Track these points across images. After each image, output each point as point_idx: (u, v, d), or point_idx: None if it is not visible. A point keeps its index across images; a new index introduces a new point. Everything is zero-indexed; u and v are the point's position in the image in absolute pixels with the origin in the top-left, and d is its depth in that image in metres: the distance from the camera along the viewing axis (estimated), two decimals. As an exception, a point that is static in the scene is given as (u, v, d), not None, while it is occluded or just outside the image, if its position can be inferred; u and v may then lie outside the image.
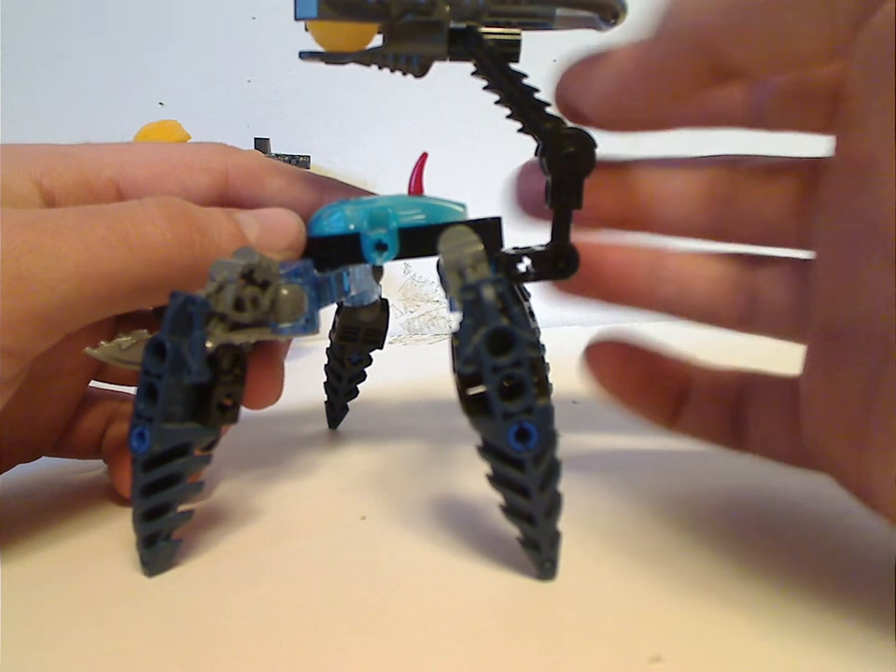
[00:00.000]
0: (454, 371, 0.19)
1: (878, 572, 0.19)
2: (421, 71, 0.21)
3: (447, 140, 0.57)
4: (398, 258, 0.22)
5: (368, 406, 0.35)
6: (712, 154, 0.22)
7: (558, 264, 0.22)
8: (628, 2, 0.20)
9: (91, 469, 0.28)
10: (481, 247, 0.20)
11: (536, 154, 0.22)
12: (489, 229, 0.22)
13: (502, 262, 0.22)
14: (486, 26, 0.20)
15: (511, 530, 0.19)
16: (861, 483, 0.18)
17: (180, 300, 0.19)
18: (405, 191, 0.24)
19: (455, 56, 0.20)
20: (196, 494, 0.21)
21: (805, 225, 0.20)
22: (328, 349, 0.32)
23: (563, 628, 0.17)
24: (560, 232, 0.22)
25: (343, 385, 0.32)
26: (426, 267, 0.55)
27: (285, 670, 0.16)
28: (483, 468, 0.19)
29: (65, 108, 0.55)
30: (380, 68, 0.21)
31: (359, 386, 0.33)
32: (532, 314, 0.27)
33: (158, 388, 0.19)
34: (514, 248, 0.23)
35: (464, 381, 0.19)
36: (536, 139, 0.21)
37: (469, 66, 0.21)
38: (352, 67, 0.21)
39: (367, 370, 0.32)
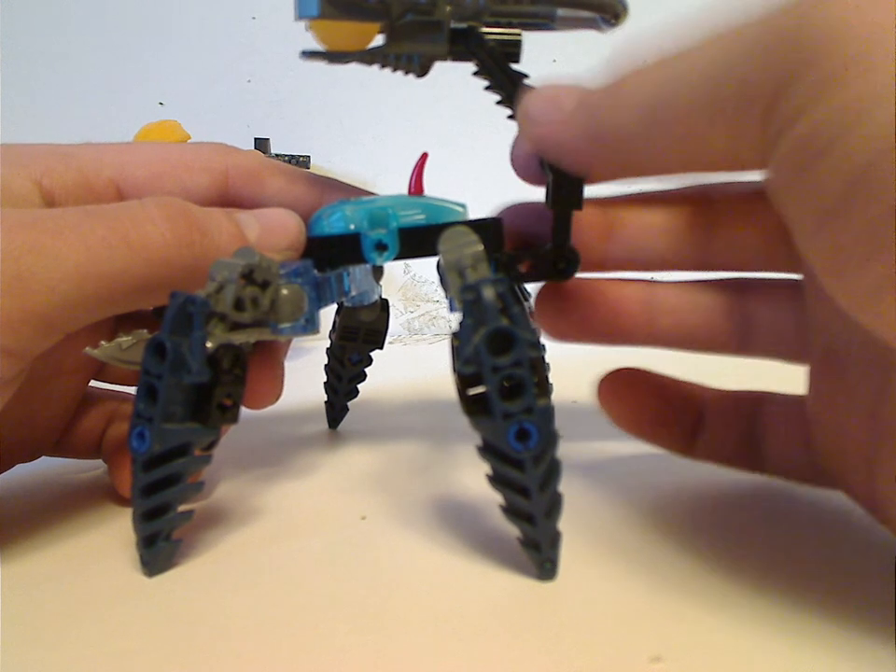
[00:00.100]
0: (454, 370, 0.19)
1: (878, 573, 0.19)
2: (422, 71, 0.21)
3: (447, 140, 0.57)
4: (398, 258, 0.22)
5: (368, 406, 0.35)
6: (685, 186, 0.22)
7: (558, 264, 0.22)
8: (629, 2, 0.20)
9: (91, 468, 0.28)
10: (481, 247, 0.20)
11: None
12: (489, 229, 0.22)
13: (502, 262, 0.22)
14: (487, 26, 0.20)
15: (511, 530, 0.19)
16: (873, 501, 0.18)
17: (180, 300, 0.19)
18: (405, 191, 0.24)
19: (457, 56, 0.21)
20: (196, 494, 0.21)
21: (792, 249, 0.20)
22: (328, 349, 0.32)
23: (563, 628, 0.17)
24: (560, 233, 0.22)
25: (343, 385, 0.32)
26: (426, 267, 0.55)
27: (285, 670, 0.16)
28: (483, 468, 0.19)
29: (65, 108, 0.55)
30: (381, 68, 0.21)
31: (359, 386, 0.33)
32: (533, 314, 0.27)
33: (158, 388, 0.19)
34: (515, 248, 0.23)
35: (464, 381, 0.19)
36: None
37: (469, 66, 0.21)
38: (352, 67, 0.21)
39: (367, 370, 0.32)
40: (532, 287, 0.24)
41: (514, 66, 0.21)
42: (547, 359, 0.25)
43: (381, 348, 0.31)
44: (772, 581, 0.19)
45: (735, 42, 0.15)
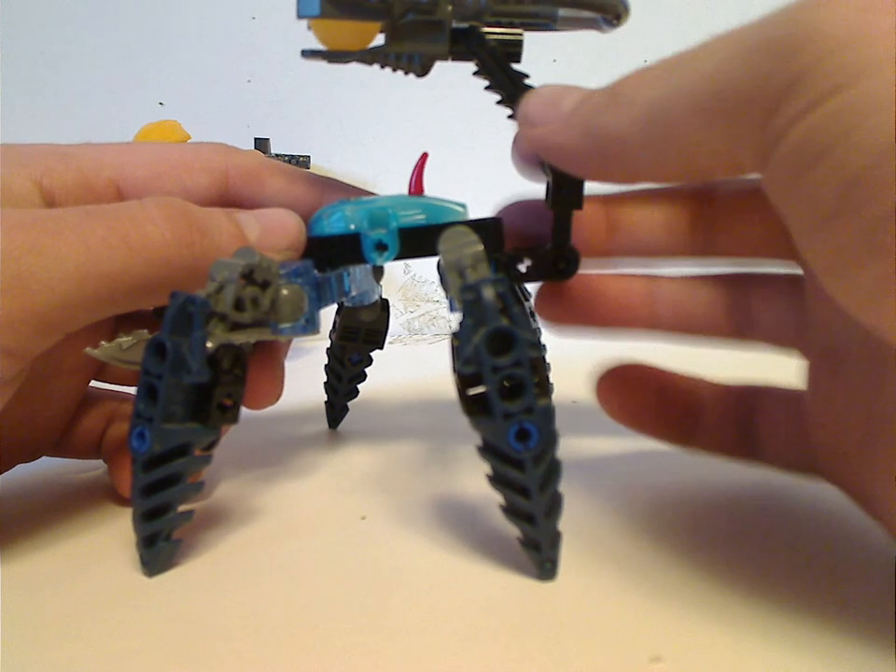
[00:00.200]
0: (454, 370, 0.19)
1: (878, 576, 0.19)
2: (423, 70, 0.21)
3: (447, 140, 0.57)
4: (398, 258, 0.22)
5: (368, 406, 0.35)
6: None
7: (559, 264, 0.22)
8: (630, 2, 0.20)
9: (91, 468, 0.28)
10: (481, 247, 0.20)
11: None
12: (489, 229, 0.22)
13: (502, 262, 0.22)
14: (488, 26, 0.20)
15: (511, 530, 0.19)
16: (866, 496, 0.18)
17: (180, 300, 0.19)
18: (405, 191, 0.24)
19: (457, 56, 0.21)
20: (196, 494, 0.21)
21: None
22: (328, 349, 0.32)
23: (563, 628, 0.17)
24: (560, 233, 0.22)
25: (344, 385, 0.32)
26: (426, 267, 0.55)
27: (285, 670, 0.16)
28: (483, 468, 0.19)
29: (65, 108, 0.55)
30: (382, 67, 0.21)
31: (359, 386, 0.33)
32: (533, 314, 0.27)
33: (158, 388, 0.19)
34: (515, 248, 0.23)
35: (464, 381, 0.19)
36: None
37: (469, 66, 0.21)
38: (352, 67, 0.21)
39: (367, 370, 0.32)
40: (532, 287, 0.24)
41: (515, 66, 0.21)
42: (547, 359, 0.26)
43: (381, 348, 0.31)
44: (772, 582, 0.19)
45: (735, 47, 0.15)
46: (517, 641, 0.17)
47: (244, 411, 0.21)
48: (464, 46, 0.20)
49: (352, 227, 0.22)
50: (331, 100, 0.58)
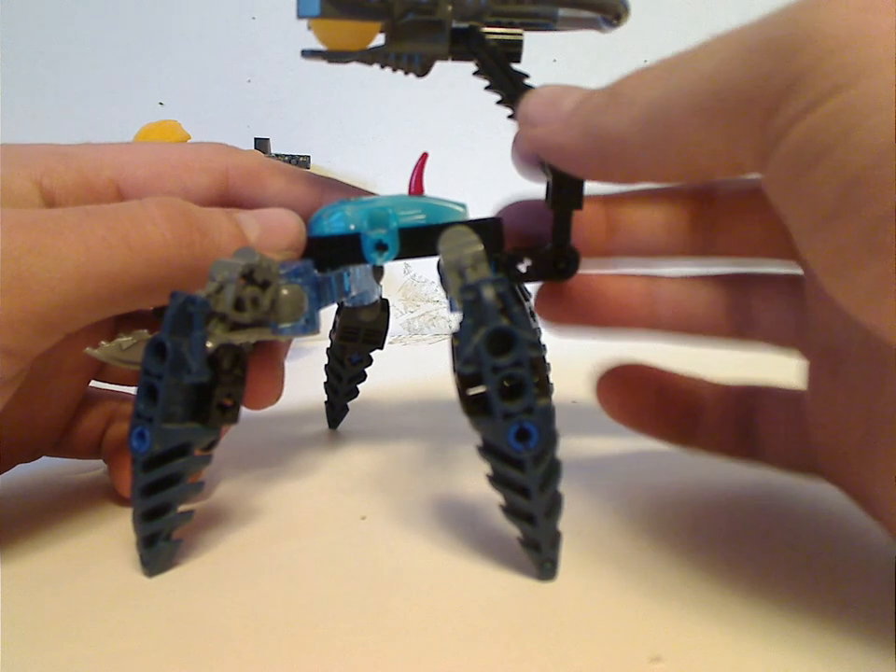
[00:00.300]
0: (454, 370, 0.19)
1: (878, 577, 0.19)
2: (423, 70, 0.21)
3: (447, 140, 0.57)
4: (398, 258, 0.22)
5: (368, 406, 0.35)
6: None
7: (559, 264, 0.22)
8: (630, 2, 0.20)
9: (91, 468, 0.28)
10: (481, 247, 0.20)
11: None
12: (489, 229, 0.22)
13: (502, 262, 0.22)
14: (488, 26, 0.20)
15: (511, 530, 0.19)
16: (865, 496, 0.18)
17: (180, 300, 0.19)
18: (405, 191, 0.24)
19: (457, 56, 0.20)
20: (196, 494, 0.21)
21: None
22: (328, 349, 0.32)
23: (563, 628, 0.17)
24: (561, 233, 0.22)
25: (344, 385, 0.32)
26: (426, 267, 0.55)
27: (285, 670, 0.16)
28: (483, 468, 0.19)
29: (65, 108, 0.55)
30: (381, 67, 0.21)
31: (359, 386, 0.33)
32: (533, 314, 0.27)
33: (158, 388, 0.19)
34: (515, 248, 0.23)
35: (464, 381, 0.19)
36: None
37: (469, 66, 0.21)
38: (352, 67, 0.21)
39: (367, 370, 0.32)
40: (532, 287, 0.24)
41: (515, 66, 0.21)
42: (547, 359, 0.26)
43: (381, 348, 0.31)
44: (772, 582, 0.19)
45: (734, 47, 0.15)
46: (517, 641, 0.17)
47: (244, 411, 0.21)
48: (464, 46, 0.20)
49: (352, 227, 0.22)
50: (331, 100, 0.58)
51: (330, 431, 0.33)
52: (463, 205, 0.23)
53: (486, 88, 0.21)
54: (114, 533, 0.22)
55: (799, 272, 0.21)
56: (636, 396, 0.23)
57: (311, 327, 0.22)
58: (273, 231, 0.23)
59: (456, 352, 0.19)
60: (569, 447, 0.20)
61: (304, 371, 0.33)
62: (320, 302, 0.22)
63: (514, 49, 0.21)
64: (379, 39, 0.20)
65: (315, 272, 0.22)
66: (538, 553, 0.19)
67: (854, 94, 0.13)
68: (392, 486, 0.26)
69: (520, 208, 0.23)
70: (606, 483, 0.26)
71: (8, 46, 0.54)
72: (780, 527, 0.22)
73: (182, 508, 0.20)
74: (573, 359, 0.24)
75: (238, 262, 0.20)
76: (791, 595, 0.18)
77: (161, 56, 0.56)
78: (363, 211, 0.22)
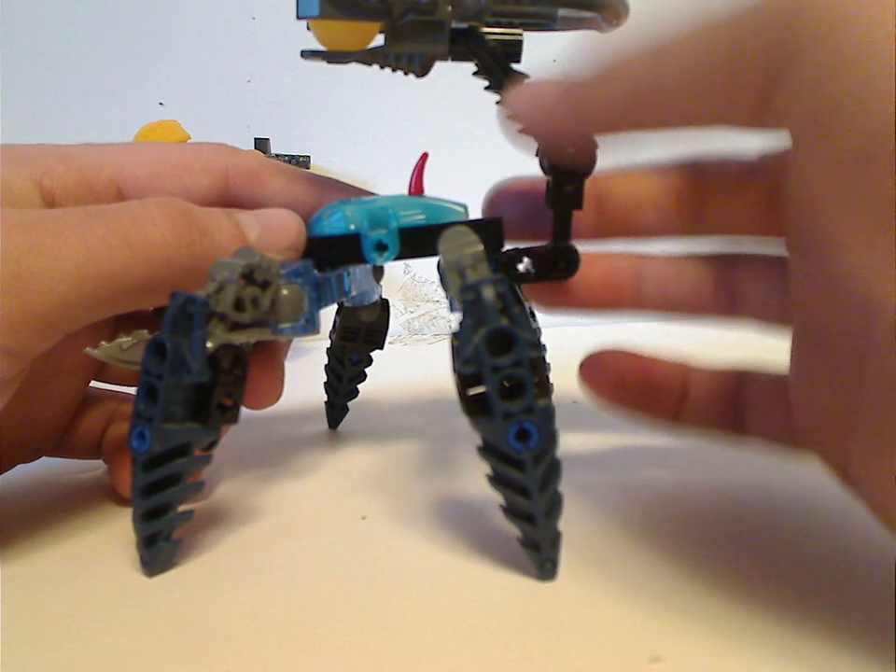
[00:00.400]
0: (454, 370, 0.19)
1: (878, 576, 0.19)
2: (422, 71, 0.21)
3: (447, 140, 0.57)
4: (398, 258, 0.22)
5: (368, 406, 0.35)
6: (677, 158, 0.22)
7: (559, 264, 0.22)
8: (630, 2, 0.20)
9: (91, 469, 0.28)
10: (481, 247, 0.20)
11: (536, 154, 0.22)
12: (489, 229, 0.22)
13: (502, 262, 0.22)
14: (488, 26, 0.20)
15: (512, 530, 0.19)
16: (847, 474, 0.18)
17: (180, 300, 0.19)
18: (405, 191, 0.24)
19: (457, 56, 0.20)
20: (196, 494, 0.21)
21: (782, 220, 0.20)
22: (328, 349, 0.32)
23: (563, 628, 0.17)
24: (560, 233, 0.22)
25: (344, 385, 0.32)
26: (426, 267, 0.55)
27: (285, 670, 0.16)
28: (483, 468, 0.19)
29: (65, 108, 0.55)
30: (381, 68, 0.21)
31: (359, 386, 0.33)
32: (533, 314, 0.27)
33: (158, 388, 0.19)
34: (515, 248, 0.23)
35: (464, 381, 0.19)
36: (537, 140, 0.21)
37: (469, 66, 0.21)
38: (352, 67, 0.21)
39: (367, 370, 0.32)
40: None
41: (515, 66, 0.21)
42: (547, 359, 0.26)
43: (381, 348, 0.31)
44: (772, 583, 0.19)
45: (727, 25, 0.14)
46: (517, 641, 0.17)
47: (244, 411, 0.21)
48: (463, 46, 0.20)
49: (352, 227, 0.22)
50: (331, 100, 0.58)
51: (330, 431, 0.33)
52: (463, 205, 0.23)
53: (486, 88, 0.21)
54: (114, 533, 0.22)
55: (784, 252, 0.21)
56: (619, 378, 0.23)
57: (311, 327, 0.22)
58: (274, 231, 0.23)
59: (456, 352, 0.19)
60: (570, 447, 0.20)
61: (304, 371, 0.33)
62: (320, 302, 0.22)
63: (514, 49, 0.21)
64: (379, 40, 0.20)
65: (315, 272, 0.22)
66: (538, 553, 0.19)
67: (861, 71, 0.12)
68: (392, 486, 0.26)
69: (509, 194, 0.23)
70: (606, 483, 0.26)
71: (8, 46, 0.54)
72: (780, 529, 0.22)
73: (182, 508, 0.20)
74: (573, 359, 0.24)
75: (238, 262, 0.20)
76: (790, 596, 0.18)
77: (161, 56, 0.56)
78: (363, 211, 0.22)
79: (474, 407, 0.19)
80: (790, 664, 0.16)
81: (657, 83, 0.16)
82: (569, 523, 0.19)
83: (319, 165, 0.56)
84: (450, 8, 0.19)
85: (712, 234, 0.22)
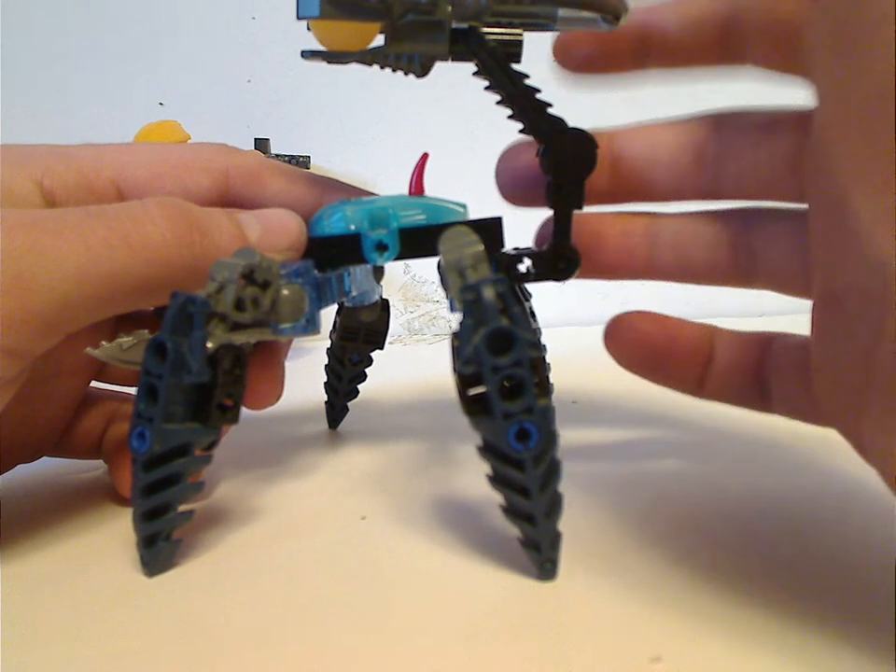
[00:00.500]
0: (454, 370, 0.19)
1: (878, 575, 0.19)
2: (422, 71, 0.21)
3: (447, 140, 0.57)
4: (398, 258, 0.22)
5: (368, 406, 0.35)
6: (696, 114, 0.22)
7: (559, 264, 0.22)
8: (630, 2, 0.20)
9: (91, 469, 0.28)
10: (481, 247, 0.20)
11: (537, 155, 0.22)
12: (490, 229, 0.22)
13: (503, 262, 0.22)
14: (488, 26, 0.20)
15: (512, 530, 0.19)
16: (861, 443, 0.18)
17: (181, 300, 0.19)
18: (405, 191, 0.24)
19: (457, 56, 0.20)
20: (196, 494, 0.21)
21: (801, 180, 0.19)
22: (328, 349, 0.32)
23: (563, 628, 0.17)
24: (561, 232, 0.22)
25: (344, 385, 0.32)
26: (426, 267, 0.55)
27: (285, 670, 0.16)
28: (484, 468, 0.19)
29: (65, 108, 0.55)
30: (381, 68, 0.21)
31: (360, 387, 0.33)
32: (533, 314, 0.27)
33: (158, 388, 0.19)
34: (515, 248, 0.23)
35: (464, 381, 0.19)
36: (537, 140, 0.21)
37: (469, 66, 0.21)
38: (353, 67, 0.21)
39: (367, 370, 0.32)
40: (534, 288, 0.24)
41: (515, 67, 0.21)
42: (547, 359, 0.26)
43: (381, 348, 0.31)
44: (772, 583, 0.19)
45: None
46: (517, 641, 0.17)
47: (244, 411, 0.21)
48: (464, 46, 0.20)
49: (352, 227, 0.22)
50: (331, 100, 0.58)
51: (330, 431, 0.33)
52: (463, 205, 0.23)
53: (486, 88, 0.21)
54: (114, 533, 0.22)
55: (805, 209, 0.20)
56: (646, 341, 0.23)
57: (311, 327, 0.22)
58: (274, 231, 0.23)
59: (456, 352, 0.19)
60: (570, 447, 0.20)
61: (304, 371, 0.33)
62: (320, 302, 0.22)
63: (514, 49, 0.21)
64: (378, 40, 0.20)
65: (316, 272, 0.22)
66: (538, 553, 0.19)
67: None
68: (392, 486, 0.26)
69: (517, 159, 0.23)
70: (607, 482, 0.26)
71: (8, 46, 0.54)
72: (780, 528, 0.22)
73: (182, 508, 0.20)
74: (573, 359, 0.24)
75: (238, 262, 0.20)
76: (791, 596, 0.18)
77: (161, 56, 0.56)
78: (363, 211, 0.22)
79: (474, 407, 0.19)
80: (790, 663, 0.16)
81: None
82: (569, 523, 0.19)
83: (319, 165, 0.56)
84: (450, 8, 0.19)
85: (732, 198, 0.21)
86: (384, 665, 0.16)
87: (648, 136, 0.22)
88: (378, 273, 0.28)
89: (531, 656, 0.16)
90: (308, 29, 0.20)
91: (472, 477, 0.25)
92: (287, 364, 0.25)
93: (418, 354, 0.53)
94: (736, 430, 0.30)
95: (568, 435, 0.21)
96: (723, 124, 0.21)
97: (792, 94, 0.18)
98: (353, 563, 0.21)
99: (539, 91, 0.21)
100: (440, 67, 0.21)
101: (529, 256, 0.22)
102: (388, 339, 0.31)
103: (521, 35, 0.21)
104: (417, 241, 0.22)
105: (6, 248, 0.18)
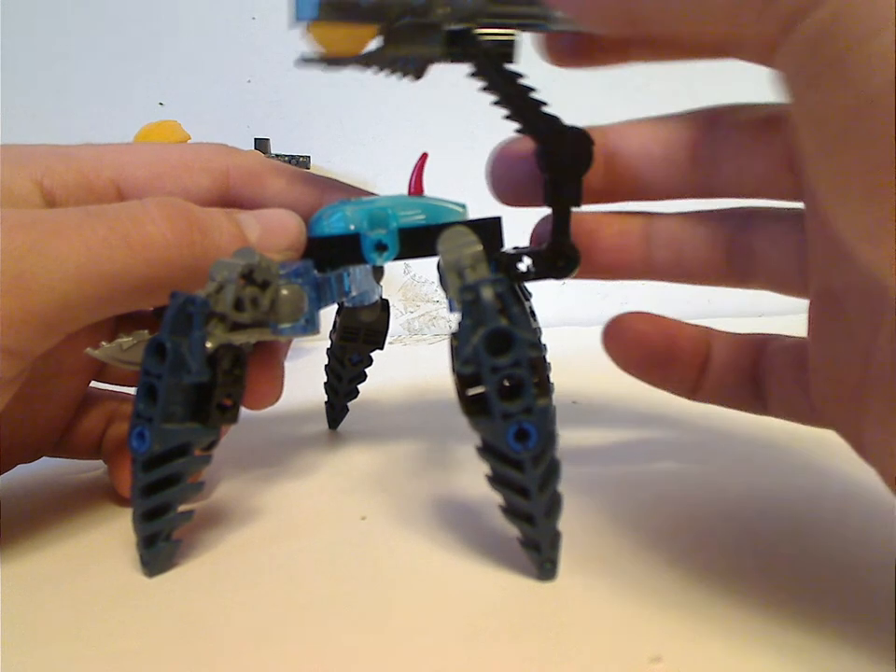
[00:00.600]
0: (453, 371, 0.19)
1: (878, 575, 0.19)
2: (418, 74, 0.21)
3: (447, 140, 0.57)
4: (398, 258, 0.22)
5: (368, 406, 0.35)
6: (691, 110, 0.21)
7: (558, 262, 0.22)
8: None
9: (91, 469, 0.28)
10: (480, 248, 0.20)
11: (535, 154, 0.22)
12: (489, 229, 0.22)
13: (502, 262, 0.22)
14: (482, 27, 0.20)
15: (511, 530, 0.19)
16: (860, 443, 0.18)
17: (180, 300, 0.19)
18: (405, 191, 0.24)
19: (455, 58, 0.20)
20: (196, 494, 0.21)
21: (798, 178, 0.19)
22: (328, 349, 0.32)
23: (563, 628, 0.17)
24: (560, 230, 0.22)
25: (344, 385, 0.32)
26: (426, 267, 0.55)
27: (285, 670, 0.16)
28: (483, 468, 0.19)
29: (65, 108, 0.55)
30: (378, 71, 0.21)
31: (359, 387, 0.33)
32: (533, 313, 0.27)
33: (158, 388, 0.19)
34: (514, 248, 0.23)
35: (463, 381, 0.19)
36: (534, 139, 0.21)
37: (468, 67, 0.21)
38: (352, 68, 0.21)
39: (367, 370, 0.32)
40: (533, 286, 0.24)
41: (511, 67, 0.21)
42: (547, 359, 0.26)
43: (381, 348, 0.31)
44: (772, 583, 0.19)
45: None
46: (517, 641, 0.17)
47: (244, 411, 0.21)
48: (459, 48, 0.20)
49: (352, 227, 0.22)
50: (331, 100, 0.58)
51: (330, 431, 0.33)
52: (463, 205, 0.23)
53: (483, 89, 0.21)
54: (114, 533, 0.22)
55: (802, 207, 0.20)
56: (643, 342, 0.23)
57: (311, 327, 0.22)
58: (274, 231, 0.23)
59: (455, 352, 0.19)
60: (569, 447, 0.20)
61: (304, 371, 0.33)
62: (320, 303, 0.22)
63: (507, 50, 0.21)
64: (374, 44, 0.20)
65: (315, 272, 0.22)
66: (537, 553, 0.19)
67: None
68: (392, 486, 0.26)
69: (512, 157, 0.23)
70: (606, 482, 0.26)
71: (8, 46, 0.54)
72: (780, 528, 0.22)
73: (182, 508, 0.20)
74: (573, 359, 0.24)
75: (238, 262, 0.20)
76: (790, 596, 0.18)
77: (161, 56, 0.56)
78: (363, 211, 0.22)
79: (473, 407, 0.19)
80: (790, 663, 0.16)
81: None
82: (569, 522, 0.19)
83: (319, 165, 0.56)
84: (445, 11, 0.19)
85: (728, 195, 0.21)
86: (384, 665, 0.16)
87: (642, 133, 0.21)
88: (378, 273, 0.28)
89: (531, 656, 0.16)
90: (306, 31, 0.20)
91: (472, 477, 0.25)
92: (287, 364, 0.26)
93: (418, 354, 0.53)
94: (735, 431, 0.30)
95: (568, 435, 0.21)
96: (719, 120, 0.21)
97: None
98: (353, 563, 0.21)
99: (534, 90, 0.21)
100: (439, 67, 0.21)
101: (528, 254, 0.22)
102: (388, 339, 0.31)
103: (513, 35, 0.21)
104: (417, 241, 0.22)
105: (6, 248, 0.18)
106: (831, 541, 0.21)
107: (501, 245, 0.22)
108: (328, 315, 0.25)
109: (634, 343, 0.23)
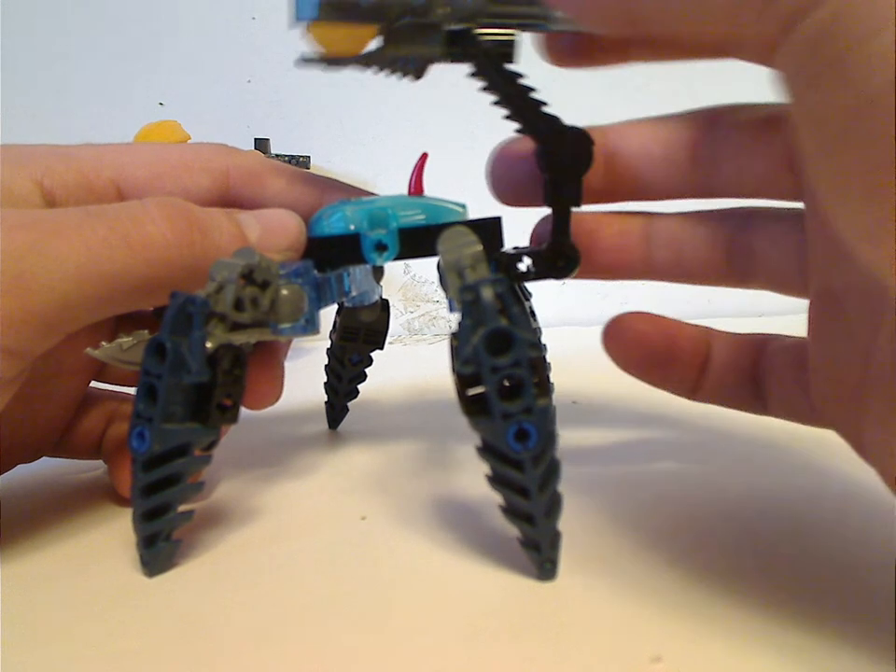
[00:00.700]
0: (453, 371, 0.19)
1: (878, 575, 0.19)
2: (418, 74, 0.21)
3: (447, 140, 0.57)
4: (398, 258, 0.22)
5: (368, 406, 0.35)
6: (691, 110, 0.21)
7: (558, 262, 0.22)
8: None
9: (91, 469, 0.28)
10: (480, 248, 0.20)
11: (535, 154, 0.22)
12: (489, 229, 0.22)
13: (502, 262, 0.22)
14: (482, 27, 0.20)
15: (511, 530, 0.19)
16: (860, 443, 0.18)
17: (180, 300, 0.19)
18: (405, 191, 0.24)
19: (455, 58, 0.20)
20: (196, 494, 0.21)
21: (799, 178, 0.19)
22: (328, 349, 0.32)
23: (563, 628, 0.17)
24: (560, 230, 0.22)
25: (344, 385, 0.32)
26: (426, 267, 0.55)
27: (285, 670, 0.16)
28: (483, 468, 0.19)
29: (65, 108, 0.55)
30: (377, 72, 0.21)
31: (359, 387, 0.33)
32: (533, 313, 0.27)
33: (158, 388, 0.19)
34: (514, 248, 0.23)
35: (463, 381, 0.19)
36: (534, 139, 0.21)
37: (469, 67, 0.21)
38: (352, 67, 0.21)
39: (367, 370, 0.32)
40: (533, 286, 0.24)
41: (511, 67, 0.21)
42: (547, 359, 0.26)
43: (381, 348, 0.31)
44: (772, 583, 0.19)
45: None
46: (517, 641, 0.17)
47: (244, 411, 0.21)
48: (459, 48, 0.20)
49: (352, 227, 0.22)
50: (331, 100, 0.58)
51: (330, 431, 0.33)
52: (463, 205, 0.23)
53: (483, 89, 0.21)
54: (114, 533, 0.22)
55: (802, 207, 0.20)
56: (643, 342, 0.23)
57: (311, 327, 0.22)
58: (274, 231, 0.23)
59: (456, 352, 0.19)
60: (569, 447, 0.20)
61: (304, 371, 0.33)
62: (320, 303, 0.22)
63: (507, 50, 0.21)
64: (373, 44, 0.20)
65: (315, 272, 0.22)
66: (537, 553, 0.19)
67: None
68: (392, 486, 0.26)
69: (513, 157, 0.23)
70: (606, 482, 0.26)
71: (8, 46, 0.54)
72: (780, 528, 0.22)
73: (182, 508, 0.20)
74: (573, 359, 0.24)
75: (238, 262, 0.20)
76: (791, 596, 0.18)
77: (161, 56, 0.56)
78: (363, 211, 0.22)
79: (473, 407, 0.19)
80: (790, 663, 0.16)
81: None
82: (569, 522, 0.19)
83: (319, 165, 0.56)
84: (445, 11, 0.19)
85: (728, 195, 0.21)
86: (384, 665, 0.16)
87: (642, 133, 0.21)
88: (378, 273, 0.28)
89: (531, 656, 0.16)
90: (306, 32, 0.20)
91: (472, 477, 0.25)
92: (287, 364, 0.26)
93: (418, 354, 0.53)
94: (735, 431, 0.30)
95: (568, 435, 0.21)
96: (719, 120, 0.21)
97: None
98: (353, 563, 0.21)
99: (534, 90, 0.21)
100: (440, 67, 0.21)
101: (528, 254, 0.22)
102: (388, 339, 0.31)
103: (513, 34, 0.21)
104: (417, 241, 0.22)
105: (6, 248, 0.18)
106: (831, 541, 0.21)
107: (501, 244, 0.22)
108: (328, 315, 0.25)
109: (634, 343, 0.23)
